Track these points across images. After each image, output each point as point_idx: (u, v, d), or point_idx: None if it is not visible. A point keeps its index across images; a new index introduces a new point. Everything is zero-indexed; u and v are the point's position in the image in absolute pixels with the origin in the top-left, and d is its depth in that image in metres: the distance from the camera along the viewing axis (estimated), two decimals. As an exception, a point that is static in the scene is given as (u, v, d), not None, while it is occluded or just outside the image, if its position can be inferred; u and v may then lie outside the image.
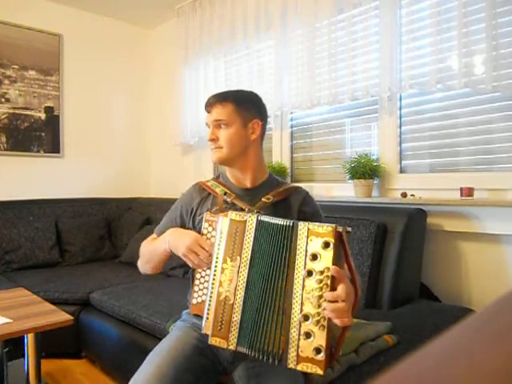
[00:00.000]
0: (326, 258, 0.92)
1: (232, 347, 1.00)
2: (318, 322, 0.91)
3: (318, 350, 0.90)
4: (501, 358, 0.17)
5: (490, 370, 0.17)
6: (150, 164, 3.85)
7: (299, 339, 0.92)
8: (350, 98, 2.20)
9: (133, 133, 3.76)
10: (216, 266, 1.04)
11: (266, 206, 1.20)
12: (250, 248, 1.02)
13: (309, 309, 0.93)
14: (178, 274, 2.59)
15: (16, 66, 3.07)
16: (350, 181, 2.17)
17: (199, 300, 1.09)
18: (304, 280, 0.94)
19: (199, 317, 1.11)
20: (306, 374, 1.05)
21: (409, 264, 1.81)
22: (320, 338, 0.90)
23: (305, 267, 0.94)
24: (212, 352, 1.15)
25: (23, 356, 1.69)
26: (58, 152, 3.27)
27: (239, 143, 1.23)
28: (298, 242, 0.96)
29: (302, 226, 0.97)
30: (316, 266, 0.93)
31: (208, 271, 1.07)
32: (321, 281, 0.92)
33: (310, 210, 1.26)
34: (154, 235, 1.36)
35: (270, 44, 2.66)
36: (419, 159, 2.10)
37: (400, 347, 1.35)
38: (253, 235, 1.02)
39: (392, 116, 2.12)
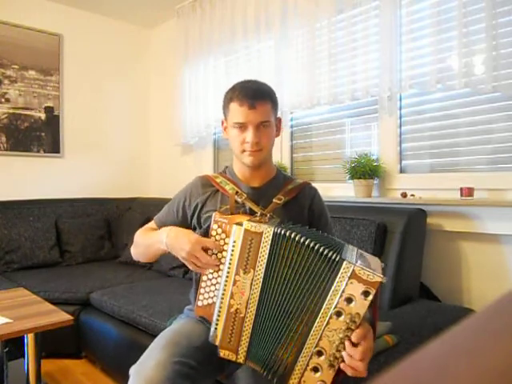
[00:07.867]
0: (362, 305, 0.88)
1: (241, 361, 0.99)
2: (330, 361, 0.90)
3: None
4: (500, 358, 0.17)
5: (490, 370, 0.17)
6: (150, 164, 3.85)
7: (305, 369, 0.92)
8: (350, 98, 2.20)
9: (133, 133, 3.76)
10: (228, 277, 1.00)
11: (278, 208, 1.15)
12: (265, 262, 0.96)
13: (325, 346, 0.91)
14: (177, 274, 2.60)
15: (16, 66, 3.07)
16: (350, 181, 2.17)
17: (205, 302, 1.07)
18: (330, 317, 0.90)
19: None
20: None
21: (409, 264, 1.81)
22: (327, 376, 0.91)
23: (336, 306, 0.90)
24: None
25: (23, 356, 1.69)
26: (57, 152, 3.27)
27: (272, 144, 1.17)
28: (337, 279, 0.89)
29: (347, 266, 0.88)
30: (348, 309, 0.89)
31: (215, 274, 1.05)
32: (347, 325, 0.89)
33: (317, 210, 1.22)
34: (152, 224, 1.31)
35: (270, 44, 2.66)
36: (419, 159, 2.10)
37: (400, 347, 1.35)
38: (268, 248, 0.96)
39: (392, 116, 2.12)
